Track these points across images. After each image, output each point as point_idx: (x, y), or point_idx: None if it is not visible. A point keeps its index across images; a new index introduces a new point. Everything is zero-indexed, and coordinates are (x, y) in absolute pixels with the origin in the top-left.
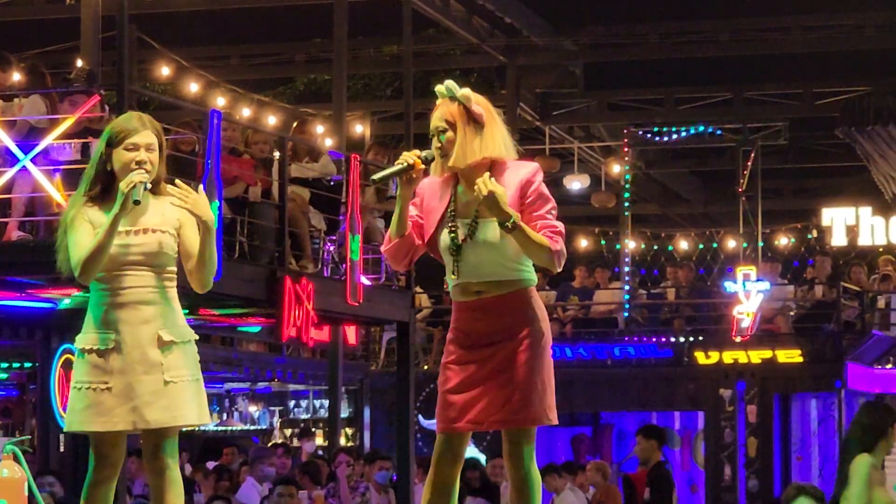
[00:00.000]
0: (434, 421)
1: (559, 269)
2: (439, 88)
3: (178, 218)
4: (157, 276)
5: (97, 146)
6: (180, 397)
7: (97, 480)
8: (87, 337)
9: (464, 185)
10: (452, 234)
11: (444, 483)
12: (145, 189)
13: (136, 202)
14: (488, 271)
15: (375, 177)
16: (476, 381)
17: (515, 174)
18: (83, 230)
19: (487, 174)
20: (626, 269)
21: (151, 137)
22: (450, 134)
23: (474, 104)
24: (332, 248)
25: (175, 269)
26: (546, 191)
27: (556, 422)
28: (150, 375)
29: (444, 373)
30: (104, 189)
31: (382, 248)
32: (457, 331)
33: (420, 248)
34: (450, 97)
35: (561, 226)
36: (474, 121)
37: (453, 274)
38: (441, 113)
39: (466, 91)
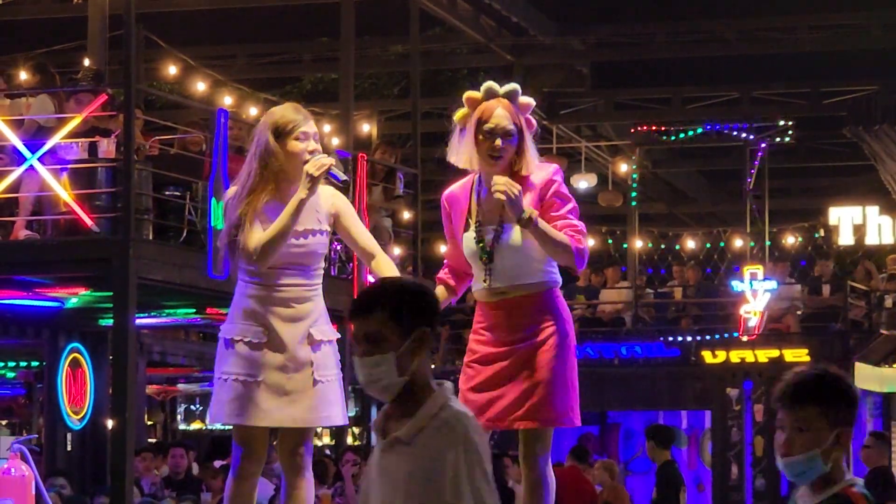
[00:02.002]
0: None
1: (582, 268)
2: (507, 88)
3: (330, 213)
4: (309, 275)
5: (263, 139)
6: (327, 397)
7: (244, 475)
8: (237, 328)
9: (486, 195)
10: (481, 243)
11: None
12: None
13: (346, 181)
14: (518, 273)
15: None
16: (498, 381)
17: (537, 177)
18: (254, 221)
19: (503, 178)
20: (635, 267)
21: (315, 127)
22: (510, 138)
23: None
24: (338, 248)
25: (323, 265)
26: (566, 191)
27: (578, 423)
28: (300, 373)
29: (465, 371)
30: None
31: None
32: (480, 330)
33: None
34: (509, 98)
35: (582, 225)
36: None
37: (485, 281)
38: (507, 114)
39: (529, 99)
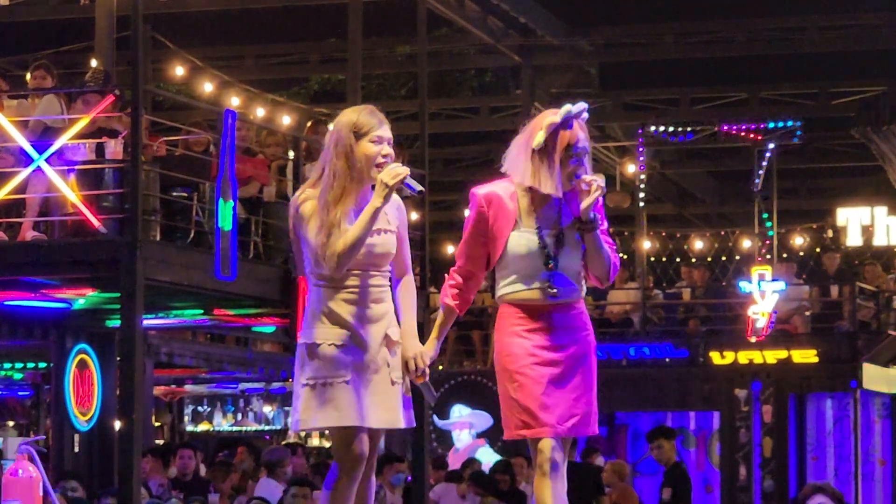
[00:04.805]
0: (448, 421)
1: (610, 283)
2: (579, 107)
3: (397, 218)
4: (383, 275)
5: (345, 140)
6: (401, 399)
7: (354, 479)
8: (319, 332)
9: (539, 198)
10: (546, 249)
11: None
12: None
13: (422, 192)
14: (575, 280)
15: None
16: (560, 385)
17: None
18: (339, 227)
19: (589, 175)
20: (643, 268)
21: (390, 133)
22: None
23: None
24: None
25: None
26: (605, 211)
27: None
28: (379, 374)
29: (523, 375)
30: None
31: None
32: (525, 333)
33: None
34: (580, 117)
35: (615, 244)
36: None
37: (551, 288)
38: (585, 135)
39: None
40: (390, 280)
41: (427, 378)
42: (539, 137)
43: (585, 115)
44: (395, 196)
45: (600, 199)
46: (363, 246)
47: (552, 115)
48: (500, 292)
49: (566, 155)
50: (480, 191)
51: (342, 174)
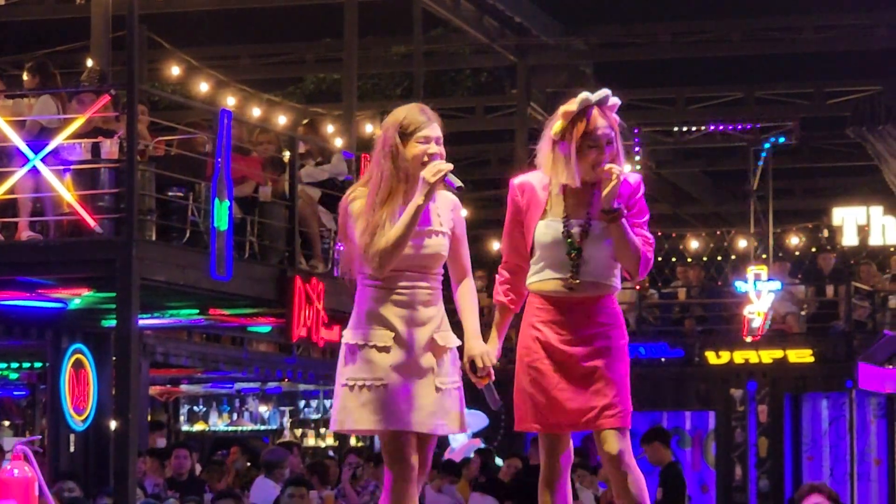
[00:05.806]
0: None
1: (641, 278)
2: (600, 95)
3: (450, 218)
4: (433, 277)
5: (391, 140)
6: (446, 405)
7: (407, 482)
8: (362, 332)
9: (571, 187)
10: (569, 239)
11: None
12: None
13: (461, 188)
14: (602, 272)
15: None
16: (569, 381)
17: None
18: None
19: (613, 166)
20: None
21: (439, 131)
22: (611, 144)
23: None
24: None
25: (442, 269)
26: (645, 204)
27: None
28: (423, 379)
29: (528, 372)
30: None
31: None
32: (540, 325)
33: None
34: (602, 104)
35: (652, 238)
36: None
37: (573, 278)
38: (606, 122)
39: (616, 99)
40: (442, 282)
41: (492, 380)
42: (556, 126)
43: (614, 100)
44: (450, 196)
45: (642, 190)
46: (406, 245)
47: (571, 104)
48: (527, 280)
49: (584, 143)
50: (516, 180)
51: (389, 175)
